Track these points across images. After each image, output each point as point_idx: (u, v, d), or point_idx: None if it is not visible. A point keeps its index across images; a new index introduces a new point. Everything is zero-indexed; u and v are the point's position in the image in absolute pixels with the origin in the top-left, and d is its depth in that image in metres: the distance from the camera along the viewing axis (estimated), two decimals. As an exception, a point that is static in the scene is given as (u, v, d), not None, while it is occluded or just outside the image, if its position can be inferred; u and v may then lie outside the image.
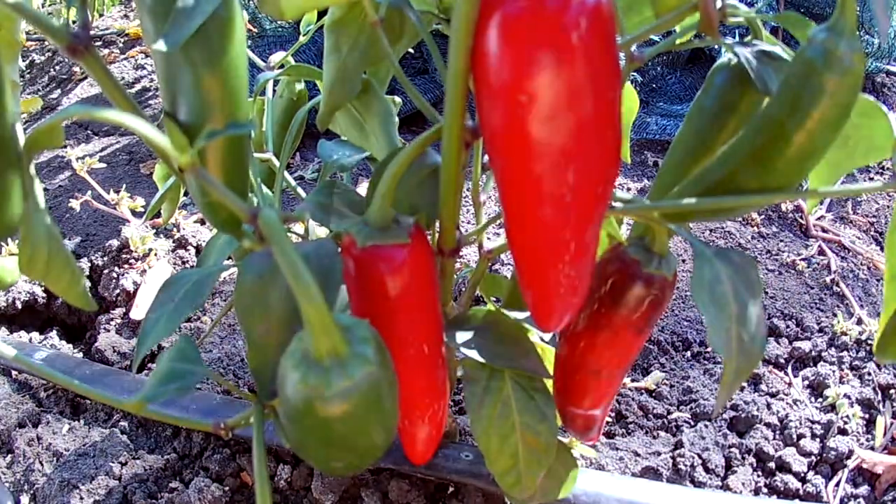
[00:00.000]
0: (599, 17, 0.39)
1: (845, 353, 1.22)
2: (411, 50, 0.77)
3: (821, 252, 1.47)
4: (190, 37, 0.46)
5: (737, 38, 0.58)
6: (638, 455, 1.05)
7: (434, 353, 0.61)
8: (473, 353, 0.66)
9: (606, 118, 0.43)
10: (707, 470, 1.02)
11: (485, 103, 0.43)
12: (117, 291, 1.35)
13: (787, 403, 1.13)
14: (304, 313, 0.39)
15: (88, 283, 1.42)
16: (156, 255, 1.40)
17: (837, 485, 1.01)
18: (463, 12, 0.39)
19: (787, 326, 1.28)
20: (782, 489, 1.00)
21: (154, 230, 1.49)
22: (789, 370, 1.20)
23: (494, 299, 1.01)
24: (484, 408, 0.68)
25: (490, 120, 0.43)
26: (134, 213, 1.49)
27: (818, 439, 1.06)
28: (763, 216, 1.57)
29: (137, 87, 2.26)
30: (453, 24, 0.41)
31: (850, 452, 1.04)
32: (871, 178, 1.79)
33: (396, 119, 0.77)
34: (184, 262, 1.43)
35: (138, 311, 1.29)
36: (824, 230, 1.53)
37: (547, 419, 0.69)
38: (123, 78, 2.29)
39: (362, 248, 0.52)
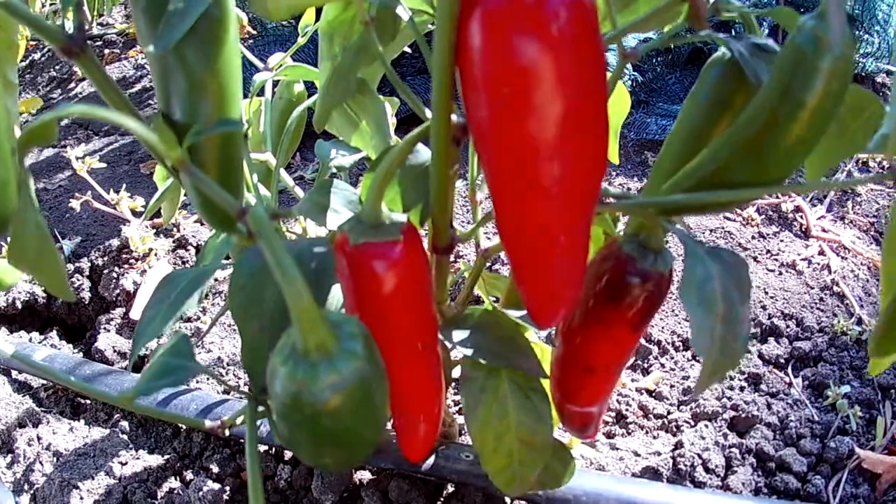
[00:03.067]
0: (580, 8, 0.39)
1: (845, 353, 1.21)
2: (410, 49, 0.77)
3: (821, 252, 1.46)
4: (183, 37, 0.47)
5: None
6: (638, 455, 1.04)
7: (428, 350, 0.61)
8: (470, 352, 0.66)
9: (591, 109, 0.42)
10: (707, 470, 1.02)
11: (470, 97, 0.43)
12: (117, 291, 1.35)
13: (787, 403, 1.12)
14: (293, 309, 0.39)
15: (88, 283, 1.42)
16: (156, 254, 1.40)
17: (837, 485, 1.00)
18: (445, 7, 0.40)
19: (787, 326, 1.28)
20: (782, 489, 1.00)
21: (154, 230, 1.49)
22: (789, 370, 1.20)
23: (493, 298, 1.00)
24: (480, 407, 0.68)
25: (476, 114, 0.43)
26: (134, 212, 1.49)
27: (818, 439, 1.06)
28: (763, 216, 1.56)
29: (138, 86, 2.27)
30: (437, 20, 0.41)
31: (851, 452, 1.03)
32: (873, 178, 1.78)
33: (393, 119, 0.77)
34: (184, 262, 1.43)
35: (138, 311, 1.29)
36: (824, 230, 1.53)
37: (543, 419, 0.69)
38: (124, 77, 2.30)
39: (354, 245, 0.52)
